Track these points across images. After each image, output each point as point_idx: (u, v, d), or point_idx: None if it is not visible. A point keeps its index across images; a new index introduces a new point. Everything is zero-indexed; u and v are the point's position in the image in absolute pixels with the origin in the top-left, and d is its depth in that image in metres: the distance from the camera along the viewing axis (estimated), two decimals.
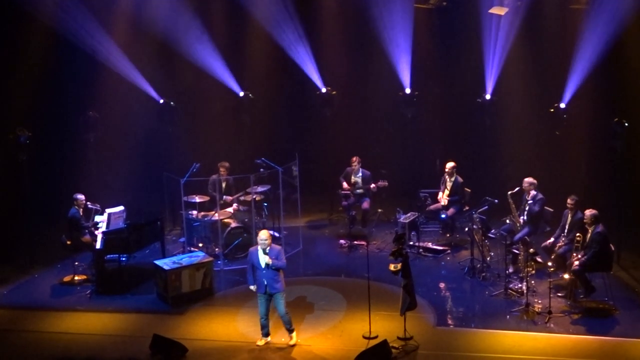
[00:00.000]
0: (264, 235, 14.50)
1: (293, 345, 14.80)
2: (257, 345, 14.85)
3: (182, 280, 16.76)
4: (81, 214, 18.19)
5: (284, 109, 24.28)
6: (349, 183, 20.80)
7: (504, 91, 21.77)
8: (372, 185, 20.49)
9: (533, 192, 17.84)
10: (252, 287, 14.80)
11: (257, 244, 14.55)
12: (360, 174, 20.76)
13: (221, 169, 20.06)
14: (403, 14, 21.97)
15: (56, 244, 18.56)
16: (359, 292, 16.52)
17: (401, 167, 22.55)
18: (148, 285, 17.62)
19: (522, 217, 17.92)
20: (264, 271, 14.45)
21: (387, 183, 20.55)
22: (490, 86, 21.64)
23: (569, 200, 16.89)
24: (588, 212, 15.99)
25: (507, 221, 18.07)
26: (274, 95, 23.77)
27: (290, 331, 14.87)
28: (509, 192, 17.92)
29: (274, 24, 22.65)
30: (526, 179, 17.96)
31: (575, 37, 20.36)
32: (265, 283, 14.48)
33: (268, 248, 14.42)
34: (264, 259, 14.39)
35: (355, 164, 20.73)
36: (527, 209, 17.89)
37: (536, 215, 17.77)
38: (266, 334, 14.93)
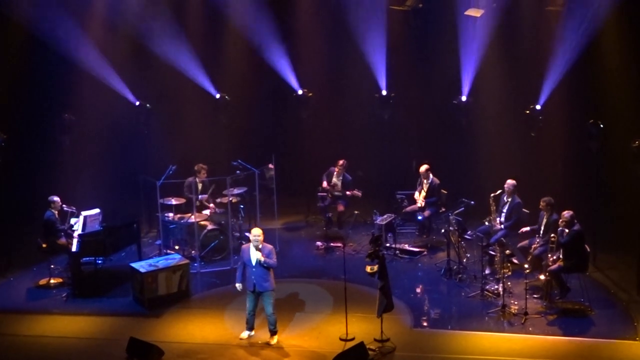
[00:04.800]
0: (256, 232, 14.68)
1: (270, 345, 14.82)
2: (240, 338, 14.99)
3: (158, 282, 16.72)
4: (57, 216, 18.12)
5: (261, 110, 24.22)
6: (329, 183, 20.81)
7: (480, 93, 21.84)
8: (348, 192, 20.54)
9: (513, 195, 17.97)
10: (237, 285, 14.90)
11: (244, 243, 14.65)
12: (341, 177, 20.78)
13: (202, 172, 20.00)
14: (379, 16, 22.00)
15: (32, 246, 18.46)
16: (336, 294, 16.58)
17: (378, 168, 22.58)
18: (124, 288, 17.56)
19: (499, 219, 18.01)
20: (254, 269, 14.57)
21: (360, 194, 20.60)
22: (466, 88, 21.70)
23: (541, 202, 16.99)
24: (566, 214, 16.03)
25: (486, 222, 18.13)
26: (250, 97, 23.69)
27: (273, 332, 14.94)
28: (492, 195, 18.00)
29: (250, 26, 22.64)
30: (509, 181, 18.03)
31: (551, 38, 20.48)
32: (254, 281, 14.60)
33: (260, 245, 14.52)
34: (255, 256, 14.50)
35: (341, 167, 20.74)
36: (504, 210, 17.99)
37: (514, 222, 17.90)
38: (250, 328, 15.07)
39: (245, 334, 15.06)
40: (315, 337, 15.19)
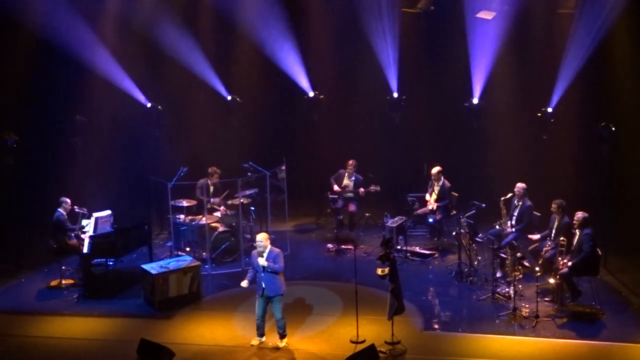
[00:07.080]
0: (259, 237, 14.64)
1: (279, 348, 14.80)
2: (252, 345, 14.94)
3: (169, 284, 16.74)
4: (66, 217, 18.15)
5: (272, 112, 24.18)
6: (339, 185, 20.79)
7: (492, 95, 21.79)
8: (361, 190, 20.50)
9: (523, 198, 17.93)
10: (242, 283, 14.96)
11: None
12: (353, 178, 20.77)
13: (215, 175, 20.01)
14: (390, 18, 21.99)
15: (43, 248, 18.52)
16: (346, 296, 16.56)
17: (389, 171, 22.50)
18: (135, 289, 17.59)
19: (510, 222, 17.98)
20: (263, 274, 14.51)
21: (379, 188, 20.53)
22: (477, 90, 21.67)
23: (552, 205, 16.95)
24: (579, 214, 16.01)
25: (497, 226, 18.10)
26: (261, 99, 23.70)
27: (282, 336, 14.90)
28: (502, 198, 17.97)
29: (262, 28, 22.63)
30: (519, 184, 17.99)
31: (563, 41, 20.41)
32: (264, 286, 14.55)
33: (266, 251, 14.50)
34: (261, 261, 14.44)
35: (351, 167, 20.73)
36: (515, 214, 17.96)
37: (525, 225, 17.85)
38: (261, 335, 14.99)
39: (256, 342, 15.01)
40: (326, 340, 15.17)
